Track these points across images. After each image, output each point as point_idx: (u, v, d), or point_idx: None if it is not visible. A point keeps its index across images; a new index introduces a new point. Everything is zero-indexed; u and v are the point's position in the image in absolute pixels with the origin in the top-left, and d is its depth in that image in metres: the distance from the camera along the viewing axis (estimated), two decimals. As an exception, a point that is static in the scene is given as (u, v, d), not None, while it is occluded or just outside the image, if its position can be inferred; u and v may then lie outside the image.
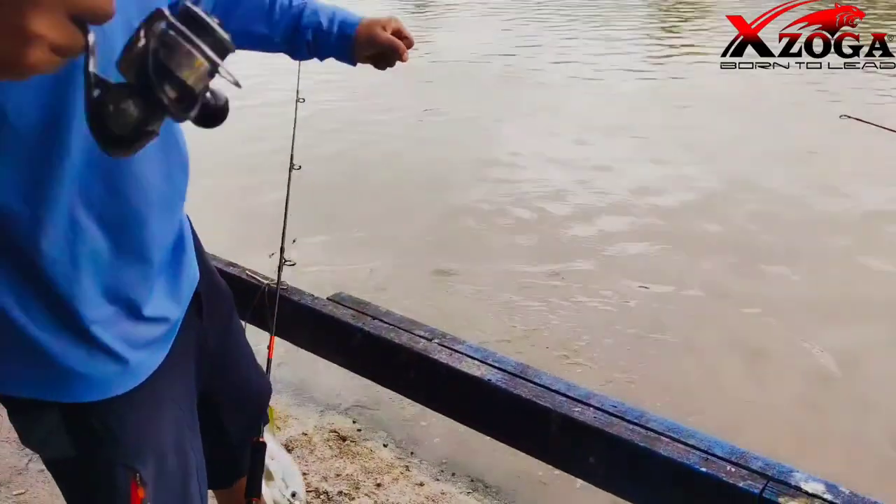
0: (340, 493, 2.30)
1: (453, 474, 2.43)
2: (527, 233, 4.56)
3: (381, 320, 1.88)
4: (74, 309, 0.87)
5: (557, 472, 1.85)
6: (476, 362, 1.73)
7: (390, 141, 6.42)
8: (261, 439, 1.40)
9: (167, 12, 0.55)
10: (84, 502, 1.02)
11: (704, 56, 9.01)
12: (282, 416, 2.64)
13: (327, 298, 1.95)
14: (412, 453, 2.53)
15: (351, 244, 4.34)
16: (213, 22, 0.55)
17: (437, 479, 2.40)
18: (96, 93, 0.55)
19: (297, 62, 1.55)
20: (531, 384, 1.66)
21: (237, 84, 0.56)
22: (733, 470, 1.43)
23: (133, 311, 0.95)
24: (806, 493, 1.38)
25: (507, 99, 7.85)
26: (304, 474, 2.37)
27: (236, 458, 1.39)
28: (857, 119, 2.76)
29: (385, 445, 2.55)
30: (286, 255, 1.74)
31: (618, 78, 8.39)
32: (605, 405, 1.58)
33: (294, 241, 1.72)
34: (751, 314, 3.59)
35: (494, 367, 1.71)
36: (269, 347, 1.63)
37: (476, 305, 3.72)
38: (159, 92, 0.54)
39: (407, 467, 2.44)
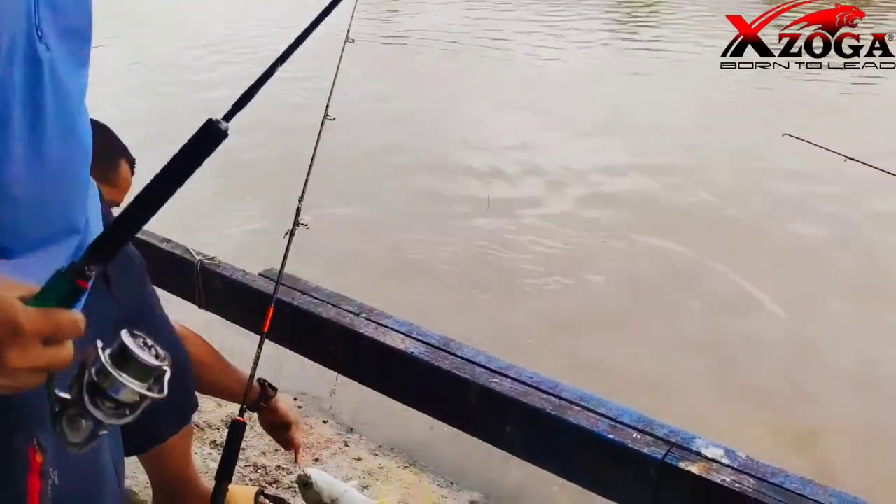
0: (278, 467, 2.32)
1: (392, 449, 2.47)
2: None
3: (311, 295, 1.90)
4: None
5: (496, 449, 1.86)
6: (401, 336, 1.76)
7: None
8: (240, 418, 1.41)
9: (100, 351, 0.68)
10: None
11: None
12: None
13: (258, 274, 1.97)
14: (352, 430, 2.56)
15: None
16: (142, 353, 0.69)
17: (376, 455, 2.43)
18: (57, 408, 0.71)
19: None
20: (453, 356, 1.69)
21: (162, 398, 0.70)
22: (639, 437, 1.49)
23: None
24: (706, 457, 1.44)
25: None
26: (242, 450, 2.39)
27: (149, 425, 1.40)
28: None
29: (325, 422, 2.58)
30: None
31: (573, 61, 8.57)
32: (521, 376, 1.62)
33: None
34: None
35: (419, 340, 1.75)
36: (265, 321, 1.59)
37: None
38: (96, 409, 0.69)
39: (346, 443, 2.47)
